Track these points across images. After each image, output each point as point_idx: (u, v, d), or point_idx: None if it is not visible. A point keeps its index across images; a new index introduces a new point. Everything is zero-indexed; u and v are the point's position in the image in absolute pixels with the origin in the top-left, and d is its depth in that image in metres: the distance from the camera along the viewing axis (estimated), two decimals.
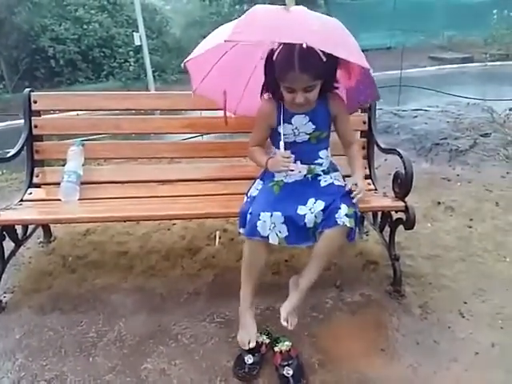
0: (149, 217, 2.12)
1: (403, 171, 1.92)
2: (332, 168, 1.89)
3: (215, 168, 2.48)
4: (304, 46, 1.30)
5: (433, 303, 2.03)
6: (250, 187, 1.92)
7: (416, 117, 4.55)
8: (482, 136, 4.08)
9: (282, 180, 1.80)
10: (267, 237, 1.64)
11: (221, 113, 2.74)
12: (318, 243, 1.68)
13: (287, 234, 1.65)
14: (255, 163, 1.90)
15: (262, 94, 1.85)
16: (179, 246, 2.55)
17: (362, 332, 1.88)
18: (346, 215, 1.62)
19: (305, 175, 1.82)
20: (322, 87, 1.69)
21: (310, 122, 1.77)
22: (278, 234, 1.64)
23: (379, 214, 2.30)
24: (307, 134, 1.79)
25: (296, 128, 1.77)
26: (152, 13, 13.60)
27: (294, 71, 1.57)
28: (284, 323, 1.68)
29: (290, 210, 1.67)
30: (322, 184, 1.80)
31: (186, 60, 1.70)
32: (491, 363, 1.70)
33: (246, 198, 1.89)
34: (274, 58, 1.66)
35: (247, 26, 1.45)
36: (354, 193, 1.69)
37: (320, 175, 1.83)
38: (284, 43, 1.61)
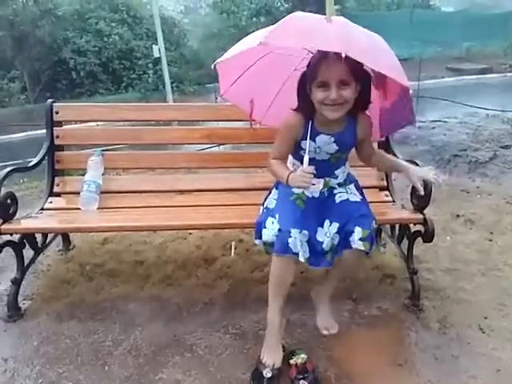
0: (166, 226, 2.13)
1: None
2: (348, 179, 1.86)
3: (232, 178, 2.49)
4: (343, 55, 1.24)
5: (452, 318, 1.99)
6: (266, 198, 1.89)
7: (434, 128, 4.53)
8: (502, 148, 4.03)
9: (303, 193, 1.73)
10: (297, 254, 1.59)
11: (238, 124, 2.78)
12: (334, 266, 1.70)
13: (308, 255, 1.63)
14: (274, 176, 1.80)
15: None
16: (195, 256, 2.56)
17: (378, 346, 1.85)
18: (361, 239, 1.60)
19: (321, 190, 1.77)
20: (355, 104, 1.60)
21: (334, 144, 1.70)
22: (304, 253, 1.61)
23: (397, 226, 2.27)
24: (328, 153, 1.73)
25: (319, 147, 1.70)
26: (171, 26, 13.86)
27: (328, 60, 1.48)
28: (325, 332, 1.82)
29: (312, 230, 1.66)
30: (337, 200, 1.76)
31: (217, 60, 1.66)
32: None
33: (261, 208, 1.88)
34: (307, 63, 1.60)
35: (283, 30, 1.40)
36: (430, 178, 1.74)
37: (335, 188, 1.79)
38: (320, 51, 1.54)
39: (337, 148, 1.71)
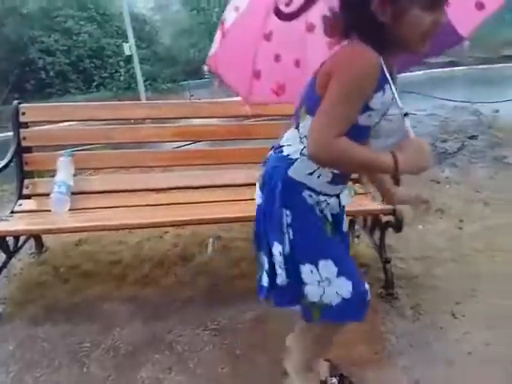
0: (139, 224, 2.11)
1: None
2: None
3: (206, 175, 2.50)
4: None
5: (425, 305, 2.05)
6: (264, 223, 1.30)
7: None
8: (469, 138, 4.15)
9: (326, 206, 1.27)
10: None
11: (211, 120, 2.77)
12: None
13: None
14: (349, 166, 1.14)
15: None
16: (172, 254, 2.55)
17: (354, 336, 1.87)
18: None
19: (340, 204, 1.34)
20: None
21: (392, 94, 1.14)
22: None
23: (369, 217, 2.32)
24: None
25: (384, 102, 1.12)
26: (142, 23, 13.66)
27: None
28: None
29: None
30: (344, 229, 1.43)
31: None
32: (485, 363, 1.71)
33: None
34: None
35: None
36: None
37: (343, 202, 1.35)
38: None
39: (402, 105, 1.12)
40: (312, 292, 1.25)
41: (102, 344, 1.87)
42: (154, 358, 1.79)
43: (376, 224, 2.16)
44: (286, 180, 1.21)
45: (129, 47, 9.52)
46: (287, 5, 1.18)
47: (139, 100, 9.27)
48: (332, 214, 1.29)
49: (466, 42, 1.51)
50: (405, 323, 1.94)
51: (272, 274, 1.31)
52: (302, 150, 1.18)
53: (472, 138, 4.12)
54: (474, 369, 1.68)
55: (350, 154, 1.01)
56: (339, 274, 1.23)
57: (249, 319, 1.98)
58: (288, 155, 1.23)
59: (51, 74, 11.64)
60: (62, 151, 2.37)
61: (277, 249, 1.25)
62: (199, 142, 3.37)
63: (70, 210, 2.20)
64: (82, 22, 12.30)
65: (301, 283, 1.26)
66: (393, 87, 1.07)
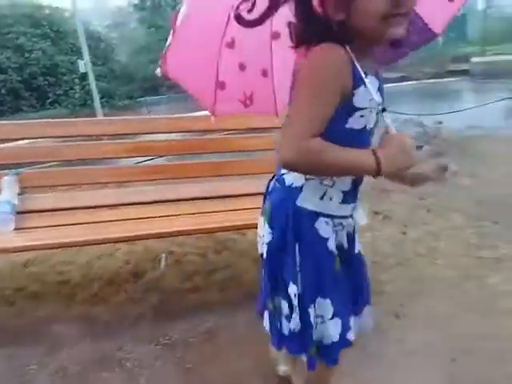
0: (87, 241, 2.08)
1: None
2: None
3: (159, 190, 2.51)
4: None
5: (372, 309, 2.11)
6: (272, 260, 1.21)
7: None
8: (416, 148, 4.35)
9: (345, 231, 1.20)
10: None
11: (167, 136, 2.79)
12: None
13: None
14: (325, 171, 1.02)
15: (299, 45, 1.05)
16: (123, 271, 2.53)
17: None
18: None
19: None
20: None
21: (379, 92, 1.05)
22: None
23: None
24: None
25: (372, 99, 1.00)
26: (97, 40, 13.51)
27: None
28: None
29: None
30: (356, 249, 1.28)
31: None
32: (426, 361, 1.78)
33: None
34: None
35: None
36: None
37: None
38: None
39: (381, 100, 1.05)
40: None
41: (49, 365, 1.83)
42: (103, 376, 1.76)
43: None
44: (297, 212, 1.11)
45: (84, 64, 9.39)
46: (249, 11, 1.13)
47: (95, 117, 9.13)
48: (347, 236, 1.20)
49: (439, 37, 1.55)
50: None
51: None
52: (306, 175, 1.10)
53: (418, 148, 4.34)
54: (415, 367, 1.75)
55: (324, 155, 0.93)
56: (334, 316, 1.17)
57: (201, 332, 1.99)
58: (291, 184, 1.12)
59: (2, 91, 11.28)
60: (6, 170, 2.32)
61: (292, 290, 1.15)
62: (158, 157, 3.38)
63: (17, 229, 2.14)
64: (34, 39, 12.03)
65: (309, 327, 1.17)
66: (367, 82, 0.96)
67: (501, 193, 3.34)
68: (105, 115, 9.48)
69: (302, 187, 1.10)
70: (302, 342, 1.19)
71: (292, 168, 1.00)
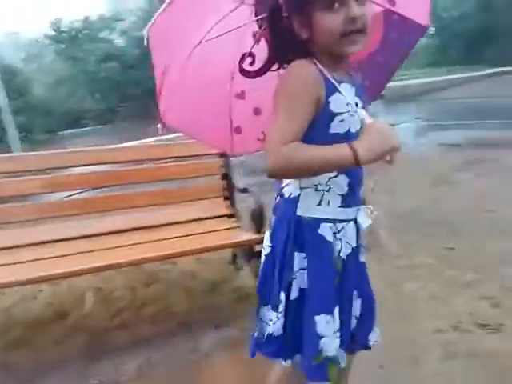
0: (5, 284, 1.95)
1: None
2: None
3: (79, 226, 2.43)
4: None
5: None
6: (273, 267, 1.19)
7: None
8: None
9: (347, 238, 1.18)
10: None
11: (87, 168, 2.72)
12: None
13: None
14: (305, 171, 1.04)
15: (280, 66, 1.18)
16: (47, 314, 2.39)
17: (245, 364, 1.81)
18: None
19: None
20: None
21: (357, 97, 1.11)
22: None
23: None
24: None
25: (349, 104, 1.07)
26: (11, 74, 12.92)
27: None
28: None
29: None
30: (361, 259, 1.25)
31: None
32: (355, 367, 1.83)
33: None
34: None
35: None
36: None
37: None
38: None
39: (360, 103, 1.12)
40: (330, 345, 1.13)
41: None
42: None
43: (251, 254, 2.28)
44: (299, 222, 1.12)
45: None
46: (251, 64, 1.20)
47: (11, 153, 8.62)
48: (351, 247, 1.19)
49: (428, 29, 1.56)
50: None
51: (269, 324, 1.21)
52: (300, 183, 1.13)
53: None
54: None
55: (300, 155, 0.98)
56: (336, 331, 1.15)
57: (133, 368, 1.93)
58: (290, 195, 1.15)
59: None
60: None
61: (281, 298, 1.15)
62: (85, 190, 3.26)
63: None
64: None
65: (301, 336, 1.15)
66: (341, 89, 1.04)
67: (413, 206, 3.62)
68: (23, 151, 8.99)
69: (299, 196, 1.13)
70: (281, 347, 1.19)
71: (277, 175, 1.06)
